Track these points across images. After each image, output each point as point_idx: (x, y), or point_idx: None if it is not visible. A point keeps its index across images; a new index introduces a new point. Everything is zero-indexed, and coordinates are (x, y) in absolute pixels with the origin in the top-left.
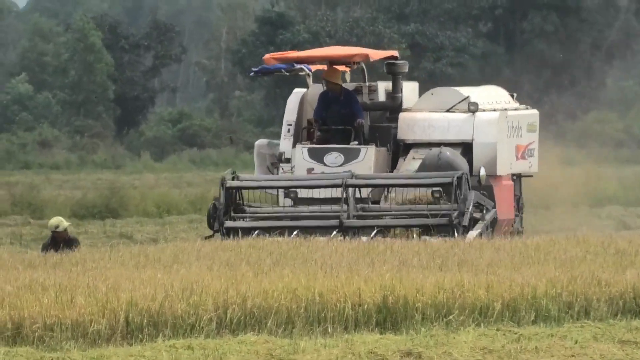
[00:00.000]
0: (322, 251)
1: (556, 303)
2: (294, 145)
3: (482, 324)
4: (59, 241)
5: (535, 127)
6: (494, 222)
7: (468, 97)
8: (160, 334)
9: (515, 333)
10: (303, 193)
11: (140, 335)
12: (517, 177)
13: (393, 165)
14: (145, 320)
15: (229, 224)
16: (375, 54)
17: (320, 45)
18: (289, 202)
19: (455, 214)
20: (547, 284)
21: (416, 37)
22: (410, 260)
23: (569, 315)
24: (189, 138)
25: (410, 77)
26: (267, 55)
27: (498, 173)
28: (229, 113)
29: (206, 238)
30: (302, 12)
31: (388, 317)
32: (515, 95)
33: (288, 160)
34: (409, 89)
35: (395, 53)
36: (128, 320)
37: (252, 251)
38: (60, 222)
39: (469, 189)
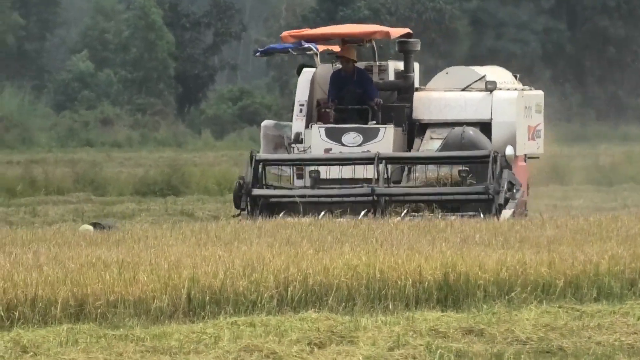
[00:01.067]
0: (382, 228)
1: (619, 280)
2: (307, 126)
3: (544, 302)
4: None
5: (541, 108)
6: (521, 202)
7: (484, 76)
8: (222, 311)
9: (578, 310)
10: (324, 173)
11: (202, 312)
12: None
13: (409, 145)
14: (207, 297)
15: (256, 191)
16: (395, 32)
17: (381, 23)
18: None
19: (492, 187)
20: (609, 261)
21: (477, 13)
22: (471, 237)
23: (632, 292)
24: (249, 116)
25: (472, 54)
26: (284, 33)
27: (517, 153)
28: (289, 91)
29: (233, 217)
30: None
31: (449, 294)
32: (518, 75)
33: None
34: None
35: (409, 31)
36: (190, 297)
37: (313, 229)
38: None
39: (502, 168)
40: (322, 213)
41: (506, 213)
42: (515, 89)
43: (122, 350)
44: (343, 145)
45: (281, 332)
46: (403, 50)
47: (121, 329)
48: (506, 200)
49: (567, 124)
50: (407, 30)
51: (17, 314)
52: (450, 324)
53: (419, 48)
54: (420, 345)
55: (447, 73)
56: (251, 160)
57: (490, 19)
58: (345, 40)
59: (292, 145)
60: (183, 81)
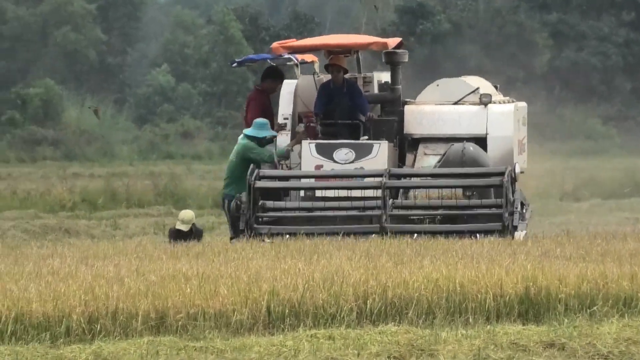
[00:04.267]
0: (462, 241)
1: None
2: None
3: (626, 315)
4: (186, 232)
5: (526, 120)
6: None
7: (478, 88)
8: (302, 324)
9: None
10: (320, 191)
11: (282, 325)
12: None
13: (400, 161)
14: (286, 310)
15: (260, 229)
16: (392, 42)
17: (462, 37)
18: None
19: (506, 214)
20: None
21: (558, 26)
22: (552, 250)
23: None
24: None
25: (551, 66)
26: (274, 44)
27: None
28: None
29: (231, 239)
30: (442, 1)
31: (530, 308)
32: (498, 86)
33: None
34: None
35: (398, 42)
36: (270, 310)
37: (392, 242)
38: (191, 219)
39: (516, 187)
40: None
41: (519, 235)
42: (500, 101)
43: None
44: (335, 162)
45: (360, 345)
46: (390, 61)
47: (201, 341)
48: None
49: None
50: (400, 39)
51: (98, 326)
52: (531, 338)
53: (406, 59)
54: (501, 358)
55: (437, 85)
56: (249, 187)
57: (570, 31)
58: (330, 51)
59: (280, 162)
60: None
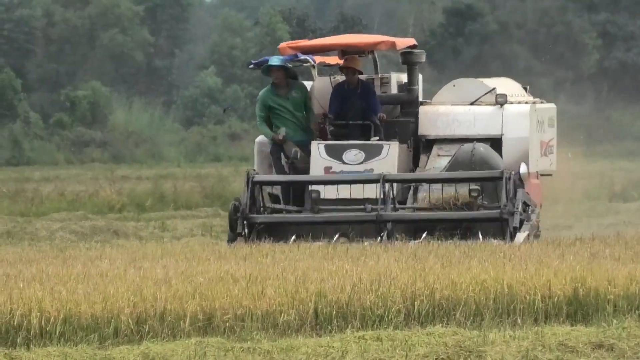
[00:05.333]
0: (509, 243)
1: None
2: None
3: None
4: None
5: (554, 122)
6: (537, 224)
7: (494, 88)
8: (349, 325)
9: None
10: (326, 193)
11: (329, 326)
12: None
13: (414, 163)
14: (334, 312)
15: (259, 218)
16: (401, 42)
17: (510, 37)
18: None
19: (506, 210)
20: None
21: (607, 26)
22: (601, 251)
23: None
24: None
25: (600, 67)
26: (282, 44)
27: (530, 170)
28: None
29: (229, 242)
30: (491, 2)
31: (579, 309)
32: (528, 87)
33: None
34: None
35: (414, 42)
36: (317, 311)
37: (440, 243)
38: None
39: (516, 187)
40: (336, 236)
41: (520, 236)
42: (526, 102)
43: None
44: (344, 163)
45: (408, 347)
46: (407, 61)
47: (249, 343)
48: (521, 222)
49: None
50: (412, 40)
51: (146, 327)
52: (580, 339)
53: (423, 59)
54: (550, 359)
55: (454, 85)
56: (248, 181)
57: (619, 31)
58: (345, 51)
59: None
60: None
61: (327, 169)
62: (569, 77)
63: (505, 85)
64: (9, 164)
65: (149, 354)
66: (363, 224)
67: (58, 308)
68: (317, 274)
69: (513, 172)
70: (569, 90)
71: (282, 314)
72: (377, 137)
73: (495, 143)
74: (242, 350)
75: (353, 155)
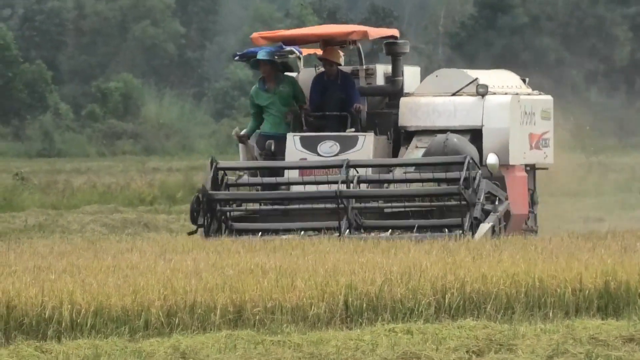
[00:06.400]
0: (541, 235)
1: None
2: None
3: None
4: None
5: (550, 114)
6: (507, 216)
7: (476, 79)
8: (379, 318)
9: None
10: (294, 188)
11: (360, 319)
12: (531, 169)
13: (395, 155)
14: (364, 304)
15: (219, 194)
16: (375, 32)
17: (540, 29)
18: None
19: (463, 187)
20: None
21: (638, 19)
22: (632, 245)
23: None
24: None
25: (632, 60)
26: (254, 34)
27: (511, 162)
28: None
29: (189, 234)
30: None
31: (610, 302)
32: (527, 79)
33: None
34: (410, 74)
35: (396, 32)
36: (347, 304)
37: (469, 237)
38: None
39: (480, 177)
40: (302, 233)
41: (484, 227)
42: (517, 93)
43: (279, 356)
44: (319, 155)
45: (439, 340)
46: (391, 52)
47: (279, 335)
48: (487, 213)
49: None
50: (391, 31)
51: (176, 320)
52: (611, 333)
53: (407, 50)
54: (580, 353)
55: (436, 76)
56: (211, 167)
57: None
58: (326, 42)
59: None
60: None
61: (302, 161)
62: (600, 69)
63: (503, 76)
64: (40, 155)
65: (179, 346)
66: (325, 205)
67: (89, 300)
68: (347, 267)
69: (473, 160)
70: (601, 82)
71: (312, 307)
72: (353, 129)
73: (476, 134)
74: (272, 343)
75: (328, 147)
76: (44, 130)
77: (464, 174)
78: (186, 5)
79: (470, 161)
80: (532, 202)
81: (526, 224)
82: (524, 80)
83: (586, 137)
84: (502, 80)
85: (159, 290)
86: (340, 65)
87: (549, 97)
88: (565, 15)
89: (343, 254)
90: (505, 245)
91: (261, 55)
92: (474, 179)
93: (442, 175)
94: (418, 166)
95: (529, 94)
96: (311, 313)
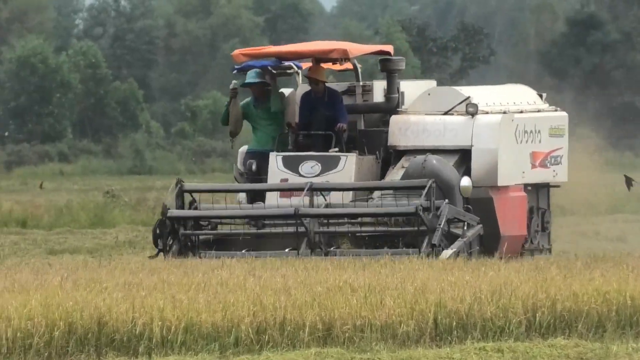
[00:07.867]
0: (635, 253)
1: None
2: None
3: None
4: None
5: (562, 131)
6: (480, 240)
7: (468, 97)
8: (469, 336)
9: None
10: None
11: (449, 337)
12: (545, 188)
13: (383, 176)
14: (454, 322)
15: (174, 212)
16: (357, 50)
17: (633, 46)
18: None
19: (428, 216)
20: None
21: None
22: None
23: None
24: None
25: None
26: (235, 51)
27: (499, 183)
28: None
29: (150, 258)
30: (612, 11)
31: None
32: (544, 95)
33: None
34: (414, 88)
35: (390, 48)
36: (437, 322)
37: (561, 254)
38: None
39: (445, 202)
40: (244, 251)
41: (446, 253)
42: (519, 111)
43: None
44: (300, 175)
45: (529, 358)
46: (385, 69)
47: (368, 353)
48: (454, 238)
49: None
50: (381, 47)
51: (266, 337)
52: None
53: (403, 67)
54: None
55: (429, 94)
56: (177, 188)
57: None
58: (318, 59)
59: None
60: None
61: (283, 181)
62: None
63: (518, 92)
64: (131, 173)
65: None
66: (285, 221)
67: (179, 317)
68: (436, 285)
69: (435, 185)
70: None
71: (402, 325)
72: (337, 149)
73: (466, 154)
74: None
75: (310, 167)
76: (135, 148)
77: (422, 198)
78: (275, 24)
79: (434, 185)
80: (543, 222)
81: (532, 243)
82: (540, 96)
83: None
84: (511, 97)
85: (249, 307)
86: (325, 82)
87: (563, 114)
88: None
89: (432, 271)
90: (597, 263)
91: (250, 78)
92: (435, 204)
93: (400, 203)
94: (393, 189)
95: (539, 110)
96: (400, 331)
